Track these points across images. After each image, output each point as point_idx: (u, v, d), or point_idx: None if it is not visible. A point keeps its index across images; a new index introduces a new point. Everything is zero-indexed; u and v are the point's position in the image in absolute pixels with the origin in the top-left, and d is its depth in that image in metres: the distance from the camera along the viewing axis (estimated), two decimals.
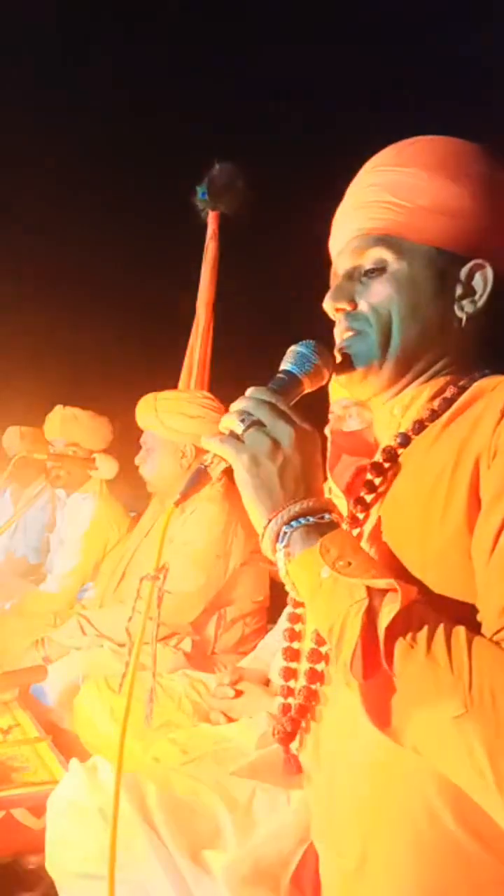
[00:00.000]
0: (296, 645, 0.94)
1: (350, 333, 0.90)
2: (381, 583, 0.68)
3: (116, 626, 2.31)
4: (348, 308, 0.90)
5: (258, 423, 0.79)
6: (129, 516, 3.16)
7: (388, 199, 0.87)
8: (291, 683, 0.92)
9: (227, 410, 0.83)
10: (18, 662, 2.29)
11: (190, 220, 3.99)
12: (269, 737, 1.40)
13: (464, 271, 0.87)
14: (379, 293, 0.88)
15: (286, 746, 0.91)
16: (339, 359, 0.90)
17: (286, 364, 0.87)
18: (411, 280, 0.87)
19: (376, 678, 0.67)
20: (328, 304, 0.92)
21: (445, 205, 0.85)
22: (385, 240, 0.88)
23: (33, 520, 3.72)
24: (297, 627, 0.94)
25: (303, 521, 0.75)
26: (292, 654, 0.94)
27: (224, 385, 3.38)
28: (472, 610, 0.72)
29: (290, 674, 0.93)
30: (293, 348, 0.87)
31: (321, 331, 0.93)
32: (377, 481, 0.88)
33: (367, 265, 0.89)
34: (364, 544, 0.83)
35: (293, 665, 0.93)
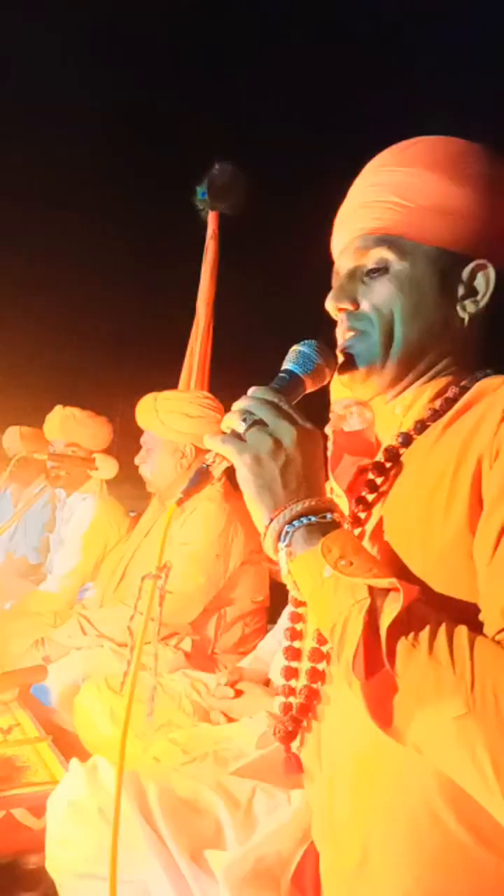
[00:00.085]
0: (297, 644, 0.94)
1: (352, 333, 0.90)
2: (383, 582, 0.68)
3: (117, 626, 2.31)
4: (350, 308, 0.90)
5: (260, 423, 0.79)
6: (129, 516, 3.16)
7: (390, 199, 0.87)
8: (293, 682, 0.92)
9: (226, 410, 0.83)
10: (18, 662, 2.28)
11: (190, 220, 3.99)
12: (269, 737, 1.41)
13: (466, 271, 0.87)
14: (381, 293, 0.88)
15: (287, 745, 0.91)
16: (341, 358, 0.90)
17: (288, 363, 0.87)
18: (413, 280, 0.87)
19: (378, 678, 0.67)
20: (330, 304, 0.92)
21: (448, 205, 0.85)
22: (387, 240, 0.88)
23: (33, 520, 3.72)
24: (299, 626, 0.94)
25: (305, 520, 0.75)
26: (294, 653, 0.94)
27: (224, 385, 3.38)
28: (473, 610, 0.72)
29: (291, 673, 0.93)
30: (295, 348, 0.87)
31: (321, 330, 0.93)
32: (379, 481, 0.88)
33: (370, 265, 0.89)
34: (366, 544, 0.83)
35: (294, 664, 0.93)
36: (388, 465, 0.87)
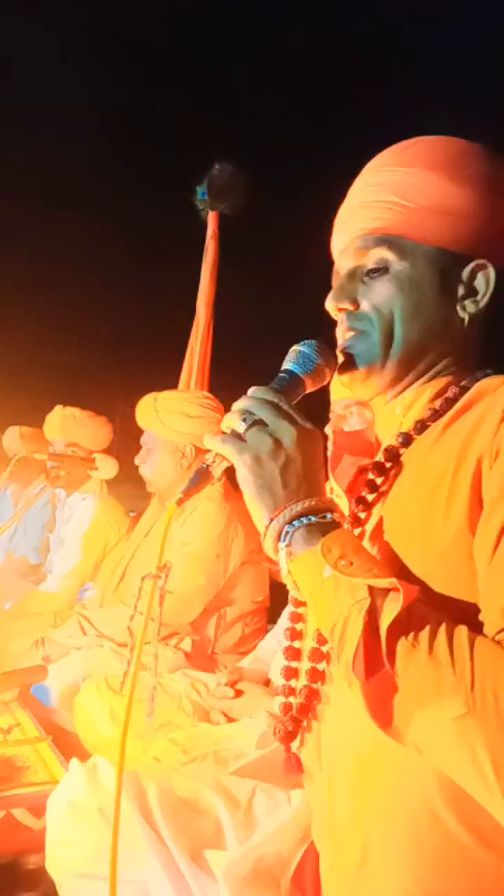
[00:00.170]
0: (297, 644, 0.94)
1: (352, 333, 0.90)
2: (383, 582, 0.68)
3: (117, 626, 2.31)
4: (350, 308, 0.90)
5: (260, 423, 0.79)
6: (129, 516, 3.16)
7: (390, 199, 0.87)
8: (293, 682, 0.92)
9: (227, 411, 0.83)
10: (18, 662, 2.28)
11: (190, 220, 3.99)
12: (269, 737, 1.41)
13: (466, 271, 0.87)
14: (381, 293, 0.88)
15: (287, 745, 0.91)
16: (341, 358, 0.90)
17: (288, 363, 0.87)
18: (413, 280, 0.87)
19: (378, 677, 0.67)
20: (330, 304, 0.92)
21: (448, 205, 0.85)
22: (387, 240, 0.88)
23: (33, 520, 3.72)
24: (299, 626, 0.94)
25: (305, 520, 0.75)
26: (294, 653, 0.94)
27: (224, 385, 3.38)
28: (473, 610, 0.72)
29: (291, 673, 0.93)
30: (295, 348, 0.87)
31: (321, 330, 0.93)
32: (379, 481, 0.88)
33: (370, 265, 0.89)
34: (366, 544, 0.83)
35: (294, 664, 0.93)
36: (388, 465, 0.87)
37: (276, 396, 0.81)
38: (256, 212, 4.10)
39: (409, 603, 0.67)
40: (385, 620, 0.66)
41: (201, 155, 3.99)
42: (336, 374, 0.90)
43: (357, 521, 0.87)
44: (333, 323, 0.95)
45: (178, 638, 2.30)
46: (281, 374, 0.86)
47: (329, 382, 0.91)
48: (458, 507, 0.74)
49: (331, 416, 1.02)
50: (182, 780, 1.23)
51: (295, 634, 0.94)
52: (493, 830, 0.71)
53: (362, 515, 0.88)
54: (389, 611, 0.66)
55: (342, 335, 0.92)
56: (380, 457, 0.89)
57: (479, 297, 0.87)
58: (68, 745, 1.84)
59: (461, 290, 0.87)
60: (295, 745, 0.91)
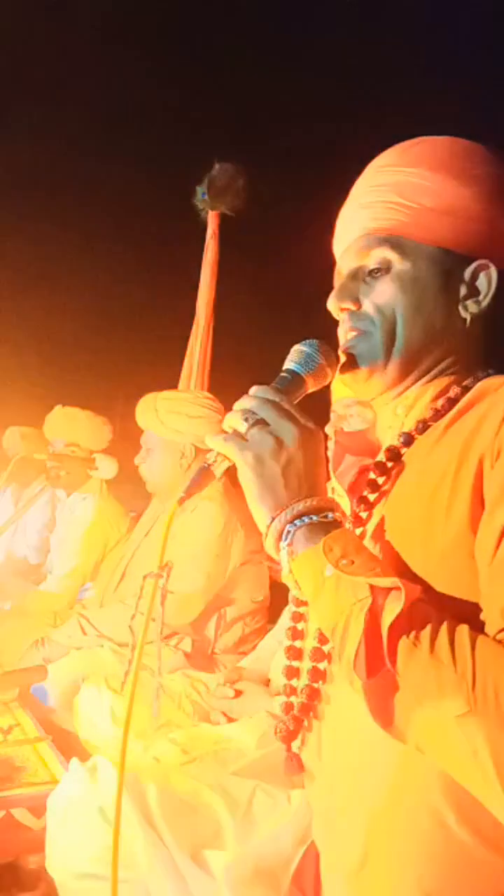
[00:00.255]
0: (298, 643, 0.94)
1: (354, 333, 0.90)
2: (385, 581, 0.68)
3: (117, 625, 2.30)
4: (353, 308, 0.90)
5: (262, 422, 0.79)
6: (129, 516, 3.16)
7: (392, 200, 0.87)
8: (294, 682, 0.92)
9: (227, 410, 0.83)
10: (18, 662, 2.28)
11: (190, 220, 3.99)
12: (270, 737, 1.41)
13: (468, 272, 0.87)
14: (383, 293, 0.88)
15: (288, 745, 0.91)
16: (343, 358, 0.90)
17: (290, 363, 0.87)
18: (416, 280, 0.87)
19: (379, 677, 0.67)
20: (332, 304, 0.92)
21: (450, 205, 0.85)
22: (389, 240, 0.88)
23: (33, 520, 3.72)
24: (300, 626, 0.94)
25: (306, 519, 0.76)
26: (295, 653, 0.94)
27: (224, 385, 3.38)
28: (475, 609, 0.72)
29: (292, 672, 0.93)
30: (297, 347, 0.87)
31: (321, 330, 0.93)
32: (380, 480, 0.88)
33: (372, 265, 0.89)
34: (367, 543, 0.83)
35: (296, 663, 0.93)
36: (389, 464, 0.87)
37: (277, 396, 0.81)
38: (256, 212, 4.11)
39: (411, 602, 0.67)
40: (386, 619, 0.66)
41: (201, 155, 3.99)
42: (338, 374, 0.90)
43: (359, 521, 0.87)
44: (335, 323, 0.95)
45: (178, 638, 2.30)
46: (283, 374, 0.86)
47: (330, 382, 0.91)
48: (460, 507, 0.75)
49: (332, 415, 1.02)
50: (182, 780, 1.23)
51: (296, 634, 0.94)
52: (494, 830, 0.71)
53: (364, 515, 0.87)
54: (391, 610, 0.66)
55: (344, 335, 0.92)
56: (381, 456, 0.89)
57: (481, 298, 0.87)
58: (68, 745, 1.84)
59: (463, 290, 0.87)
60: (296, 744, 0.91)
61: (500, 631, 0.69)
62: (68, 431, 3.10)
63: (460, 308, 0.87)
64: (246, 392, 0.83)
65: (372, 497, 0.88)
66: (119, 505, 3.17)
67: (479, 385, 0.85)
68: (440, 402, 0.87)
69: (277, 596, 2.47)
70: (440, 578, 0.75)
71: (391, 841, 0.77)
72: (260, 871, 1.03)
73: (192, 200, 3.95)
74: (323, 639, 0.88)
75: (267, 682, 1.82)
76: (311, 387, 0.87)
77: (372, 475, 0.89)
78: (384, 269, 0.88)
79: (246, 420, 0.79)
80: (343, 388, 0.95)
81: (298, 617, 0.95)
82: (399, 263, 0.87)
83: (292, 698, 0.91)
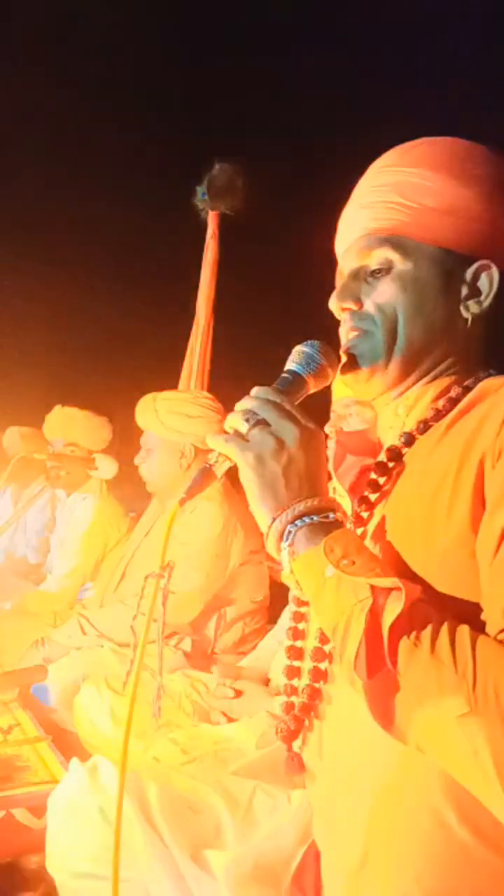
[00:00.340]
0: (299, 643, 0.94)
1: (356, 333, 0.90)
2: (385, 582, 0.68)
3: (117, 625, 2.31)
4: (354, 307, 0.90)
5: (263, 423, 0.79)
6: (129, 516, 3.16)
7: (394, 200, 0.87)
8: (295, 682, 0.93)
9: (226, 411, 0.83)
10: (18, 662, 2.28)
11: (190, 220, 3.99)
12: (270, 736, 1.41)
13: (470, 272, 0.87)
14: (385, 293, 0.88)
15: (289, 745, 0.92)
16: (344, 359, 0.90)
17: (291, 364, 0.87)
18: (417, 280, 0.87)
19: (380, 677, 0.67)
20: (334, 304, 0.92)
21: (451, 205, 0.86)
22: (391, 240, 0.88)
23: (33, 520, 3.72)
24: (301, 626, 0.95)
25: (307, 519, 0.76)
26: (296, 653, 0.94)
27: (224, 385, 3.38)
28: (475, 609, 0.72)
29: (293, 672, 0.93)
30: (298, 348, 0.88)
31: (321, 330, 0.93)
32: (381, 481, 0.88)
33: (373, 265, 0.89)
34: (368, 543, 0.83)
35: (297, 663, 0.93)
36: (390, 464, 0.88)
37: (278, 396, 0.81)
38: (256, 212, 4.11)
39: (412, 602, 0.67)
40: (387, 620, 0.66)
41: (202, 155, 3.99)
42: (339, 375, 0.90)
43: (360, 521, 0.87)
44: (335, 323, 0.95)
45: (177, 638, 2.30)
46: (284, 375, 0.86)
47: (332, 382, 0.91)
48: (461, 507, 0.75)
49: (332, 415, 1.02)
50: (182, 779, 1.23)
51: (297, 634, 0.94)
52: (495, 830, 0.71)
53: (365, 515, 0.88)
54: (391, 610, 0.66)
55: (346, 335, 0.92)
56: (382, 456, 0.89)
57: (482, 298, 0.87)
58: (68, 745, 1.84)
59: (465, 291, 0.88)
60: (297, 744, 0.92)
61: (500, 631, 0.69)
62: (68, 431, 3.10)
63: (461, 308, 0.88)
64: (246, 392, 0.84)
65: (373, 497, 0.88)
66: (119, 505, 3.17)
67: (480, 385, 0.85)
68: (441, 403, 0.87)
69: (277, 596, 2.47)
70: (441, 578, 0.75)
71: (391, 840, 0.77)
72: (260, 871, 1.03)
73: (192, 200, 3.95)
74: (324, 638, 0.88)
75: (267, 682, 1.82)
76: (313, 387, 0.87)
77: (373, 475, 0.89)
78: (385, 269, 0.88)
79: (247, 421, 0.80)
80: (343, 388, 0.95)
81: (299, 617, 0.95)
82: (400, 263, 0.87)
83: (293, 698, 0.91)
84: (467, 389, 0.86)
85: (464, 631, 0.67)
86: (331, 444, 0.96)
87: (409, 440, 0.87)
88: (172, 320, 4.31)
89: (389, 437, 0.92)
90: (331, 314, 0.95)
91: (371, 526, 0.86)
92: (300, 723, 0.90)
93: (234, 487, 2.37)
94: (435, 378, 0.90)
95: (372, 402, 0.96)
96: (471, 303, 0.87)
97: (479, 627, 0.70)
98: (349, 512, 0.89)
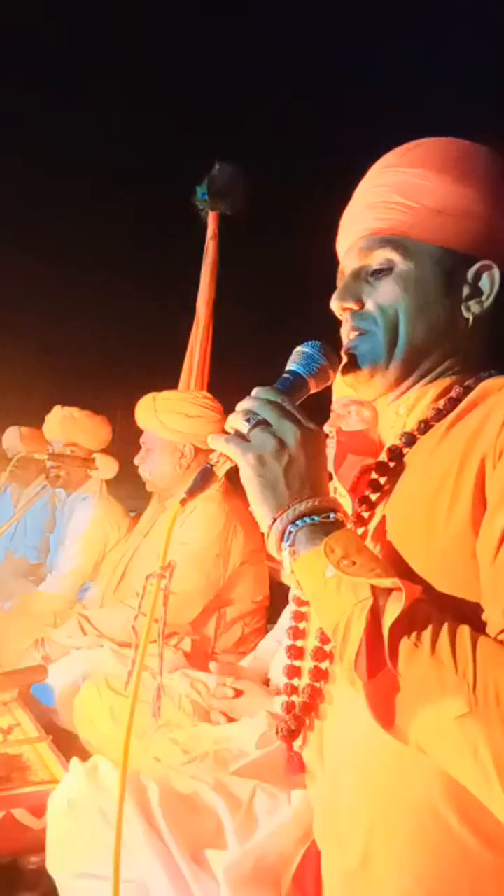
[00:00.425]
0: (300, 643, 0.94)
1: (356, 333, 0.90)
2: (386, 582, 0.68)
3: (116, 625, 2.31)
4: (355, 307, 0.90)
5: (264, 423, 0.79)
6: (129, 516, 3.16)
7: (395, 200, 0.88)
8: (295, 682, 0.93)
9: (226, 411, 0.83)
10: (18, 662, 2.28)
11: (190, 220, 3.99)
12: (270, 736, 1.41)
13: (471, 272, 0.87)
14: (386, 293, 0.88)
15: (290, 744, 0.91)
16: (344, 359, 0.90)
17: (292, 364, 0.87)
18: (418, 280, 0.87)
19: (381, 677, 0.67)
20: (335, 304, 0.92)
21: (453, 205, 0.86)
22: (392, 240, 0.88)
23: (33, 520, 3.72)
24: (302, 626, 0.95)
25: (308, 520, 0.76)
26: (296, 653, 0.94)
27: (224, 385, 3.38)
28: (476, 609, 0.72)
29: (293, 672, 0.93)
30: (299, 349, 0.88)
31: (320, 331, 0.93)
32: (382, 481, 0.88)
33: (375, 265, 0.89)
34: (368, 543, 0.83)
35: (297, 663, 0.93)
36: (391, 464, 0.88)
37: (279, 397, 0.82)
38: (256, 212, 4.11)
39: (412, 602, 0.67)
40: (388, 620, 0.66)
41: (202, 155, 3.99)
42: (339, 375, 0.90)
43: (360, 521, 0.87)
44: (335, 323, 0.95)
45: (178, 638, 2.30)
46: (285, 375, 0.86)
47: (332, 382, 0.91)
48: (462, 508, 0.75)
49: (332, 415, 1.02)
50: (182, 779, 1.23)
51: (298, 633, 0.94)
52: (496, 830, 0.71)
53: (365, 515, 0.88)
54: (392, 610, 0.66)
55: (346, 335, 0.92)
56: (383, 456, 0.89)
57: (483, 298, 0.87)
58: (68, 745, 1.84)
59: (466, 291, 0.88)
60: (297, 743, 0.92)
61: (501, 632, 0.69)
62: (67, 431, 3.10)
63: (463, 308, 0.88)
64: (246, 393, 0.84)
65: (373, 497, 0.88)
66: (119, 505, 3.17)
67: (481, 385, 0.85)
68: (442, 403, 0.87)
69: (277, 596, 2.48)
70: (441, 579, 0.75)
71: (392, 840, 0.77)
72: (260, 871, 1.03)
73: (191, 200, 3.95)
74: (324, 638, 0.88)
75: (267, 682, 1.82)
76: (314, 388, 0.87)
77: (374, 475, 0.89)
78: (387, 269, 0.88)
79: (248, 421, 0.80)
80: (343, 388, 0.95)
81: (300, 616, 0.95)
82: (402, 264, 0.87)
83: (294, 697, 0.91)
84: (468, 389, 0.86)
85: (464, 631, 0.67)
86: (331, 443, 0.96)
87: (410, 440, 0.87)
88: (172, 320, 4.31)
89: (390, 436, 0.92)
90: (331, 314, 0.96)
91: (372, 526, 0.86)
92: (301, 722, 0.90)
93: (234, 487, 2.37)
94: (436, 378, 0.89)
95: (373, 402, 0.96)
96: (472, 303, 0.87)
97: (479, 628, 0.70)
98: (350, 512, 0.89)
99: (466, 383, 0.87)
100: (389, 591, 0.68)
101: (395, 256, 0.88)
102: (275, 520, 0.77)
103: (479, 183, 0.86)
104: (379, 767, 0.78)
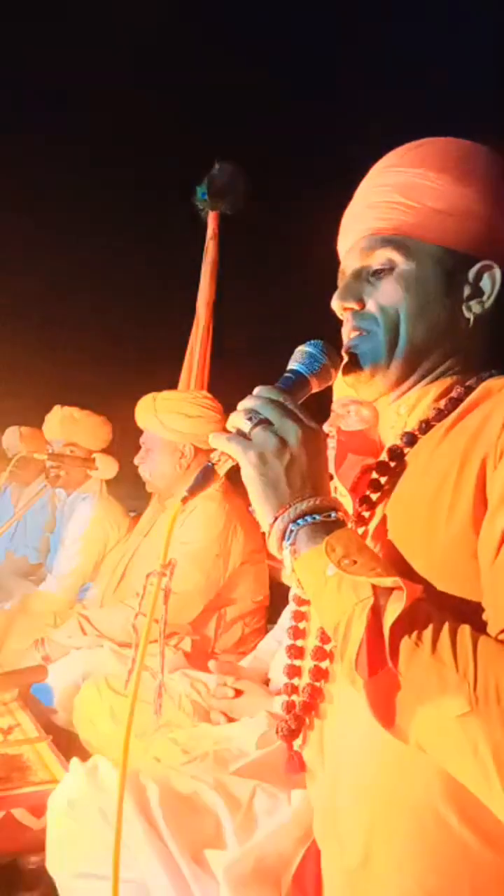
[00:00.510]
0: (300, 643, 0.94)
1: (357, 333, 0.90)
2: (387, 581, 0.69)
3: (117, 625, 2.31)
4: (356, 307, 0.91)
5: (265, 422, 0.79)
6: (129, 516, 3.16)
7: (396, 200, 0.88)
8: (296, 681, 0.93)
9: (226, 411, 0.83)
10: (18, 662, 2.28)
11: (190, 220, 3.99)
12: (270, 736, 1.41)
13: (472, 272, 0.87)
14: (387, 293, 0.88)
15: (290, 744, 0.91)
16: (345, 358, 0.90)
17: (294, 363, 0.87)
18: (419, 280, 0.87)
19: (381, 676, 0.67)
20: (336, 304, 0.92)
21: (454, 205, 0.86)
22: (393, 240, 0.88)
23: (33, 520, 3.72)
24: (302, 625, 0.95)
25: (309, 519, 0.76)
26: (297, 652, 0.94)
27: (224, 385, 3.38)
28: (477, 609, 0.73)
29: (294, 671, 0.93)
30: (301, 348, 0.88)
31: (321, 331, 0.93)
32: (383, 480, 0.88)
33: (376, 265, 0.90)
34: (369, 543, 0.83)
35: (297, 662, 0.93)
36: (392, 464, 0.88)
37: (281, 396, 0.82)
38: (256, 212, 4.11)
39: (413, 602, 0.67)
40: (388, 619, 0.66)
41: (202, 155, 3.99)
42: (340, 375, 0.90)
43: (361, 521, 0.87)
44: (334, 323, 0.95)
45: (178, 638, 2.30)
46: (287, 374, 0.86)
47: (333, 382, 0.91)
48: (462, 507, 0.75)
49: (331, 414, 1.02)
50: (182, 779, 1.23)
51: (298, 633, 0.94)
52: (496, 829, 0.71)
53: (366, 515, 0.88)
54: (393, 609, 0.66)
55: (347, 335, 0.92)
56: (384, 456, 0.89)
57: (484, 298, 0.87)
58: (68, 745, 1.84)
59: (467, 291, 0.88)
60: (297, 743, 0.92)
61: (501, 631, 0.69)
62: (67, 431, 3.10)
63: (464, 308, 0.88)
64: (246, 393, 0.84)
65: (374, 497, 0.88)
66: (119, 505, 3.17)
67: (482, 385, 0.85)
68: (443, 403, 0.87)
69: (277, 596, 2.47)
70: (442, 578, 0.75)
71: (393, 840, 0.77)
72: (260, 871, 1.03)
73: (191, 200, 3.95)
74: (325, 637, 0.88)
75: (267, 682, 1.82)
76: (316, 387, 0.87)
77: (374, 475, 0.89)
78: (388, 269, 0.89)
79: (249, 419, 0.80)
80: (343, 387, 0.95)
81: (300, 616, 0.95)
82: (403, 264, 0.88)
83: (294, 697, 0.91)
84: (469, 389, 0.86)
85: (465, 631, 0.67)
86: (331, 443, 0.96)
87: (411, 440, 0.87)
88: (172, 320, 4.31)
89: (391, 436, 0.92)
90: (332, 314, 0.96)
91: (372, 525, 0.86)
92: (301, 722, 0.90)
93: (234, 487, 2.37)
94: (436, 378, 0.90)
95: (373, 402, 0.96)
96: (473, 303, 0.87)
97: (479, 627, 0.70)
98: (350, 511, 0.89)
99: (467, 383, 0.87)
100: (390, 590, 0.68)
101: (396, 256, 0.88)
102: (276, 518, 0.77)
103: (479, 183, 0.86)
104: (379, 767, 0.78)
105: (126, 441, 3.00)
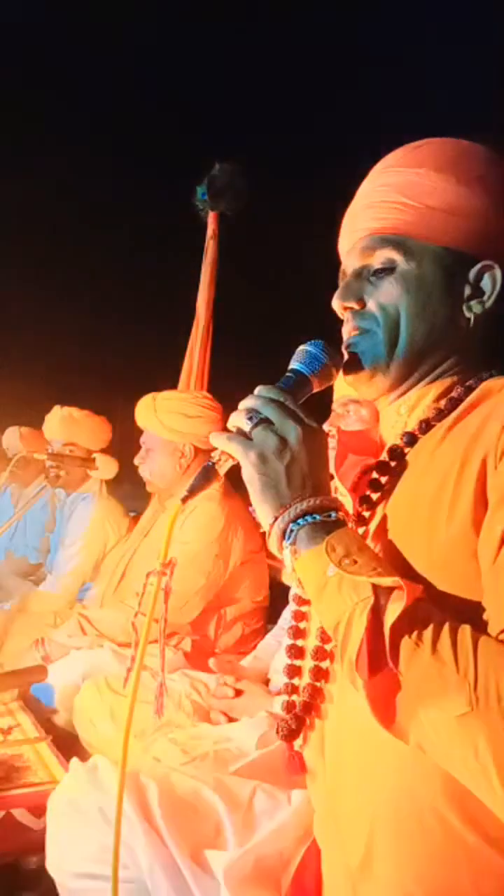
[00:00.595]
0: (300, 643, 0.94)
1: (357, 332, 0.90)
2: (387, 581, 0.68)
3: (116, 625, 2.31)
4: (356, 307, 0.91)
5: (266, 422, 0.79)
6: (128, 516, 3.16)
7: (397, 200, 0.88)
8: (296, 681, 0.93)
9: (226, 411, 0.83)
10: (18, 662, 2.28)
11: (190, 220, 3.99)
12: (270, 736, 1.41)
13: (472, 272, 0.87)
14: (387, 292, 0.88)
15: (290, 744, 0.91)
16: (346, 356, 0.90)
17: (295, 363, 0.87)
18: (420, 280, 0.87)
19: (381, 676, 0.67)
20: (336, 303, 0.92)
21: (454, 205, 0.86)
22: (394, 240, 0.88)
23: (33, 520, 3.72)
24: (302, 625, 0.95)
25: (309, 518, 0.76)
26: (297, 652, 0.94)
27: (224, 385, 3.38)
28: (477, 609, 0.72)
29: (294, 671, 0.93)
30: (302, 348, 0.88)
31: (321, 331, 0.93)
32: (383, 480, 0.88)
33: (376, 265, 0.90)
34: (369, 543, 0.83)
35: (298, 662, 0.93)
36: (392, 464, 0.88)
37: (282, 395, 0.82)
38: (256, 212, 4.11)
39: (413, 601, 0.67)
40: (388, 619, 0.66)
41: (201, 155, 3.99)
42: (341, 374, 0.90)
43: (361, 521, 0.87)
44: (334, 323, 0.95)
45: (178, 638, 2.30)
46: (288, 374, 0.86)
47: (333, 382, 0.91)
48: (463, 507, 0.75)
49: (331, 414, 1.02)
50: (182, 779, 1.23)
51: (298, 633, 0.94)
52: (497, 829, 0.71)
53: (366, 514, 0.88)
54: (393, 609, 0.66)
55: (347, 334, 0.92)
56: (384, 456, 0.89)
57: (485, 298, 0.87)
58: (68, 745, 1.84)
59: (467, 291, 0.88)
60: (298, 743, 0.91)
61: (502, 631, 0.69)
62: (67, 431, 3.10)
63: (464, 308, 0.88)
64: (245, 393, 0.84)
65: (374, 497, 0.88)
66: (119, 505, 3.17)
67: (482, 385, 0.85)
68: (443, 403, 0.87)
69: (277, 596, 2.47)
70: (442, 578, 0.75)
71: (394, 840, 0.77)
72: (260, 871, 1.03)
73: (191, 200, 3.95)
74: (325, 637, 0.88)
75: (267, 682, 1.82)
76: (317, 387, 0.87)
77: (374, 474, 0.89)
78: (388, 269, 0.89)
79: (250, 419, 0.80)
80: (343, 387, 0.95)
81: (300, 616, 0.95)
82: (404, 263, 0.87)
83: (294, 697, 0.91)
84: (469, 389, 0.86)
85: (465, 631, 0.67)
86: (332, 443, 0.96)
87: (411, 440, 0.87)
88: (172, 320, 4.31)
89: (391, 436, 0.92)
90: (333, 314, 0.96)
91: (372, 525, 0.86)
92: (301, 722, 0.90)
93: (234, 487, 2.37)
94: (437, 378, 0.90)
95: (374, 402, 0.96)
96: (473, 303, 0.87)
97: (480, 627, 0.70)
98: (351, 511, 0.89)
99: (468, 383, 0.87)
100: (391, 590, 0.68)
101: (396, 256, 0.88)
102: (276, 518, 0.77)
103: (481, 183, 0.86)
104: (380, 767, 0.78)
105: (126, 441, 3.00)
